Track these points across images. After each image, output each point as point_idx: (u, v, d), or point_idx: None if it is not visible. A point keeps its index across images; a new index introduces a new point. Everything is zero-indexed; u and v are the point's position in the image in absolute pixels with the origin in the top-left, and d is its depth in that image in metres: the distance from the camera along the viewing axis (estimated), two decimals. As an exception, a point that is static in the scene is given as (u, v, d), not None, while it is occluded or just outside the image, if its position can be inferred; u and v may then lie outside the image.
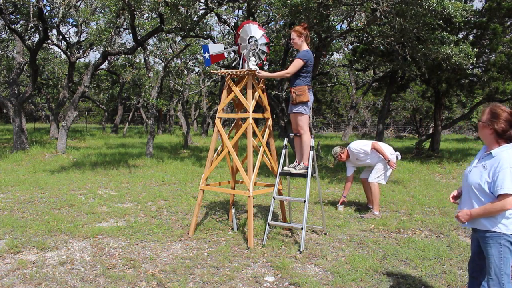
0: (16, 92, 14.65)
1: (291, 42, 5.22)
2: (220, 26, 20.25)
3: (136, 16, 12.12)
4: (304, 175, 5.07)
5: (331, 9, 9.01)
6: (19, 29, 16.08)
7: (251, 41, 5.10)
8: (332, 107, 36.00)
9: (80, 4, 16.25)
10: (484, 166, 2.79)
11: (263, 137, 5.22)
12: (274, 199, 5.15)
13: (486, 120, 2.78)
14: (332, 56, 24.24)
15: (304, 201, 4.91)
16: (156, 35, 15.50)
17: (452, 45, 10.05)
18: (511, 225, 2.75)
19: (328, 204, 7.01)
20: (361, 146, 6.37)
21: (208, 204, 6.93)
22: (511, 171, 2.67)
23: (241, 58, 5.25)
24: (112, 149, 16.19)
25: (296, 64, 4.97)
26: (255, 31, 5.11)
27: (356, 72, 25.82)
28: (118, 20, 14.22)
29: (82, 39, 19.15)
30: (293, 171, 5.17)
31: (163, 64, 20.04)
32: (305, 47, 5.11)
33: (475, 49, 10.35)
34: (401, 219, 6.05)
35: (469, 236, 5.33)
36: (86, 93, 18.57)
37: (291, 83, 5.15)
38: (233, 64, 16.53)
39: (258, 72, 4.99)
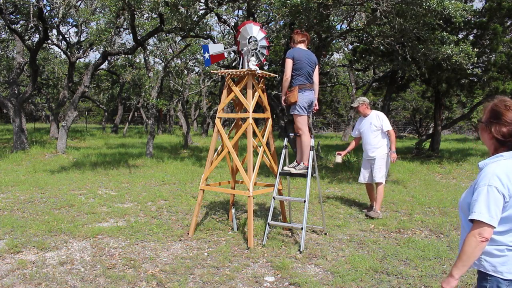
0: (16, 92, 14.66)
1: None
2: (220, 26, 20.26)
3: (136, 16, 12.12)
4: (304, 175, 5.07)
5: (331, 9, 9.01)
6: (19, 29, 16.08)
7: (251, 41, 5.10)
8: (332, 107, 36.01)
9: (80, 4, 16.26)
10: (474, 182, 2.12)
11: (263, 137, 5.22)
12: (274, 199, 5.15)
13: (485, 120, 2.05)
14: (332, 56, 24.27)
15: (304, 201, 4.91)
16: (156, 35, 15.49)
17: (452, 45, 10.05)
18: (502, 266, 2.01)
19: (328, 204, 7.00)
20: (383, 120, 6.32)
21: (208, 204, 6.93)
22: (488, 190, 1.95)
23: (241, 58, 5.25)
24: (112, 149, 16.19)
25: (286, 63, 5.07)
26: (255, 31, 5.11)
27: (356, 72, 25.83)
28: (118, 20, 14.21)
29: (82, 39, 19.14)
30: (293, 171, 5.17)
31: (163, 64, 20.04)
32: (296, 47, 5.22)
33: (475, 49, 10.35)
34: (401, 219, 6.05)
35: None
36: (86, 93, 18.58)
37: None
38: (233, 64, 16.53)
39: (284, 101, 5.09)
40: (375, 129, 6.33)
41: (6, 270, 4.04)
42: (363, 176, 6.57)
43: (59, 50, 20.57)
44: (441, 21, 9.65)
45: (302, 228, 4.77)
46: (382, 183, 6.29)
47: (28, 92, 14.75)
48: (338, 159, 6.53)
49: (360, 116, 6.62)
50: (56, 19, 16.53)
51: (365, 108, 6.47)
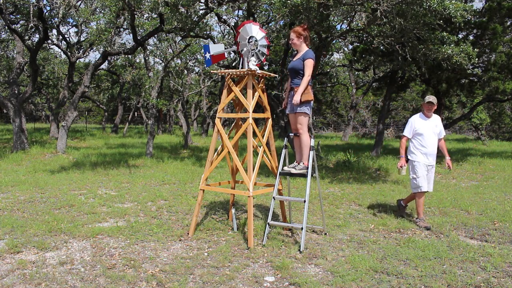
0: (16, 92, 14.66)
1: (290, 42, 5.22)
2: (220, 26, 20.25)
3: (136, 16, 12.12)
4: (304, 175, 5.07)
5: (331, 9, 9.00)
6: (19, 29, 16.09)
7: (251, 41, 5.09)
8: (332, 107, 36.03)
9: (80, 4, 16.26)
10: None
11: (263, 137, 5.22)
12: (274, 199, 5.15)
13: None
14: (332, 56, 24.27)
15: (304, 201, 4.91)
16: (156, 35, 15.50)
17: (452, 45, 10.06)
18: None
19: (328, 204, 7.00)
20: (441, 125, 6.00)
21: (208, 204, 6.93)
22: None
23: (241, 58, 5.25)
24: (112, 149, 16.18)
25: (311, 64, 5.00)
26: (255, 31, 5.11)
27: (356, 72, 25.84)
28: (118, 20, 14.21)
29: (82, 39, 19.16)
30: (293, 171, 5.17)
31: (163, 64, 20.04)
32: (305, 47, 5.13)
33: (475, 49, 10.36)
34: (401, 219, 6.05)
35: (469, 236, 5.33)
36: (86, 93, 18.58)
37: (293, 83, 5.14)
38: (233, 64, 16.53)
39: (297, 101, 4.94)
40: (437, 132, 5.88)
41: (6, 270, 4.04)
42: (424, 183, 5.80)
43: (59, 50, 20.60)
44: (441, 21, 9.64)
45: (302, 228, 4.77)
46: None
47: (28, 92, 14.75)
48: (403, 171, 5.87)
49: (419, 116, 5.93)
50: (56, 19, 16.56)
51: (433, 108, 5.87)
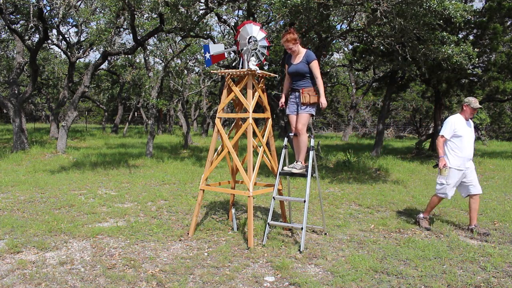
0: (16, 92, 14.66)
1: (289, 51, 5.16)
2: (220, 26, 20.25)
3: (136, 16, 12.12)
4: (304, 175, 5.07)
5: (331, 9, 9.00)
6: (19, 29, 16.08)
7: (251, 41, 5.09)
8: (332, 107, 36.01)
9: (80, 4, 16.26)
10: None
11: (263, 137, 5.22)
12: (274, 199, 5.15)
13: None
14: (332, 56, 24.27)
15: (304, 201, 4.91)
16: (156, 35, 15.49)
17: (452, 45, 10.06)
18: None
19: (328, 204, 7.00)
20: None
21: (208, 204, 6.93)
22: None
23: (241, 59, 5.25)
24: (112, 149, 16.18)
25: (317, 65, 5.06)
26: (256, 31, 5.10)
27: (356, 72, 25.83)
28: (118, 20, 14.21)
29: (82, 39, 19.16)
30: (293, 171, 5.17)
31: (163, 64, 20.04)
32: (302, 48, 5.14)
33: (475, 49, 10.36)
34: (401, 219, 6.05)
35: (469, 236, 5.33)
36: (86, 93, 18.58)
37: (297, 85, 5.13)
38: (233, 64, 16.53)
39: (325, 104, 5.01)
40: (471, 137, 5.60)
41: (6, 270, 4.04)
42: (451, 191, 5.56)
43: (59, 50, 20.60)
44: (441, 21, 9.65)
45: (302, 228, 4.77)
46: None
47: (28, 92, 14.75)
48: (448, 171, 5.50)
49: (461, 117, 5.61)
50: (56, 19, 16.55)
51: (471, 112, 5.60)
